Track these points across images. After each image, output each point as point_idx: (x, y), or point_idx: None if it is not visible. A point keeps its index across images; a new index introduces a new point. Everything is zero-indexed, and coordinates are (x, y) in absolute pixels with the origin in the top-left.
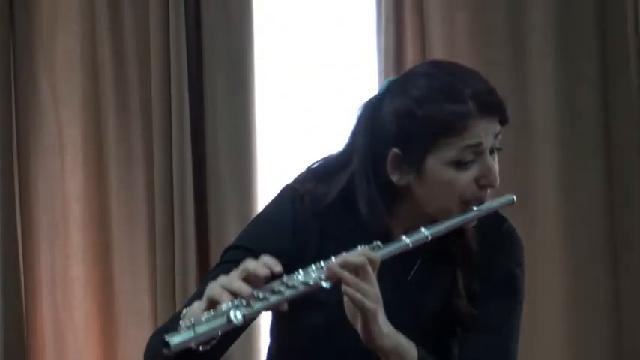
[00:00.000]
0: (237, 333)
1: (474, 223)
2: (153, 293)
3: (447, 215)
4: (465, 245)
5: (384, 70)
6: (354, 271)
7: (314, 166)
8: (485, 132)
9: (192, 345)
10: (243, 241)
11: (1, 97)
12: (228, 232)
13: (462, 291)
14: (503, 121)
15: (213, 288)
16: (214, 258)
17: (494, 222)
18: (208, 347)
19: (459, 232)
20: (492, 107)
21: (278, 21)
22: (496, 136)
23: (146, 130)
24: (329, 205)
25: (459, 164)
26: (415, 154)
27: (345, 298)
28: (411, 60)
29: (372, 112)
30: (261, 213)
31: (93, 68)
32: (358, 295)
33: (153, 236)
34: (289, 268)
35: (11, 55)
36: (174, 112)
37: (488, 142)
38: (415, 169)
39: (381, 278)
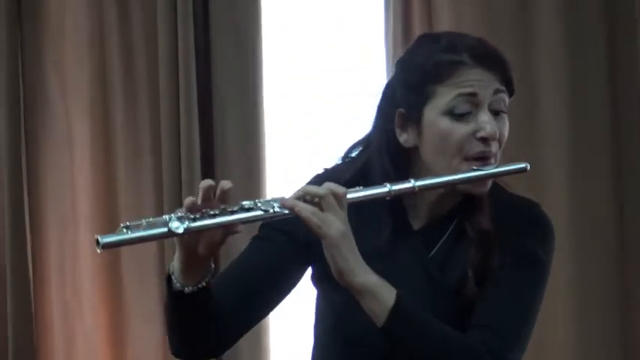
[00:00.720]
0: (261, 306)
1: (484, 189)
2: (161, 287)
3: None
4: (480, 224)
5: (391, 74)
6: (315, 203)
7: (346, 150)
8: (480, 82)
9: (123, 242)
10: (275, 221)
11: (9, 93)
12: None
13: (471, 272)
14: (504, 80)
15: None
16: (222, 251)
17: (524, 205)
18: (195, 289)
19: (474, 209)
20: (487, 58)
21: (285, 17)
22: (496, 92)
23: (154, 126)
24: (348, 182)
25: (455, 114)
26: (414, 107)
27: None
28: None
29: (386, 90)
30: None
31: (101, 64)
32: (315, 220)
33: None
34: (308, 250)
35: (19, 51)
36: (182, 107)
37: (485, 95)
38: (416, 124)
39: (402, 251)
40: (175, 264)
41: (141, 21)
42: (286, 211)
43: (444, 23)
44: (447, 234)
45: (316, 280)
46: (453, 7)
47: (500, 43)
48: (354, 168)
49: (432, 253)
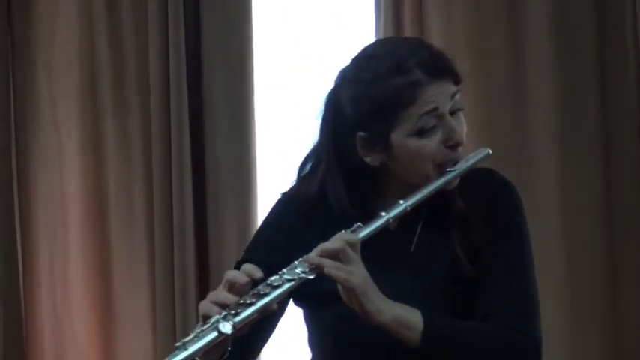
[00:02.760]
0: (270, 324)
1: (455, 183)
2: (152, 293)
3: (428, 182)
4: (452, 207)
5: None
6: (335, 257)
7: (298, 167)
8: (439, 96)
9: None
10: (247, 255)
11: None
12: (227, 232)
13: (460, 253)
14: (456, 81)
15: (204, 304)
16: (213, 257)
17: (482, 176)
18: (226, 356)
19: (443, 196)
20: (440, 70)
21: (277, 19)
22: (452, 96)
23: (145, 130)
24: (314, 200)
25: (422, 132)
26: (379, 134)
27: (339, 286)
28: None
29: (331, 103)
30: (260, 225)
31: (91, 68)
32: (342, 275)
33: (152, 236)
34: None
35: (10, 55)
36: (172, 111)
37: (445, 105)
38: (383, 148)
39: (383, 254)
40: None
41: (131, 25)
42: (313, 275)
43: (435, 22)
44: (420, 226)
45: (300, 300)
46: (442, 5)
47: (490, 42)
48: (315, 183)
49: (412, 248)
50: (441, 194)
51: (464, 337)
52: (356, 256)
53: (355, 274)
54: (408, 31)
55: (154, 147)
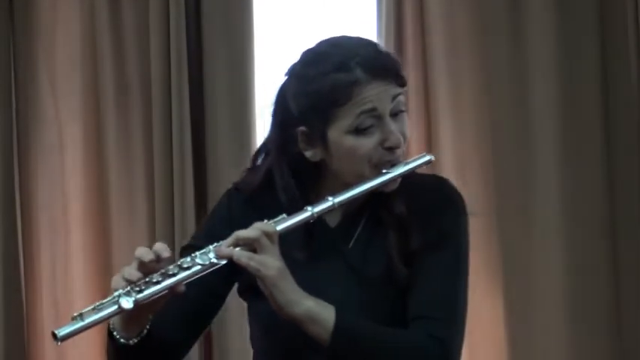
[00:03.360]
0: (201, 325)
1: (394, 186)
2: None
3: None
4: (393, 209)
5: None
6: (250, 245)
7: (251, 159)
8: (378, 96)
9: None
10: (192, 241)
11: (1, 96)
12: None
13: (396, 255)
14: (400, 83)
15: (114, 279)
16: None
17: (433, 184)
18: (137, 340)
19: (386, 197)
20: (381, 71)
21: (278, 18)
22: (394, 98)
23: (146, 129)
24: (258, 190)
25: (359, 131)
26: (317, 129)
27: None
28: (411, 53)
29: (279, 97)
30: (205, 217)
31: (92, 66)
32: (253, 264)
33: (153, 234)
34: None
35: (11, 53)
36: (174, 110)
37: (384, 106)
38: (321, 144)
39: (321, 249)
40: (117, 320)
41: (133, 24)
42: (224, 261)
43: (436, 20)
44: (361, 224)
45: (242, 293)
46: (444, 4)
47: (491, 40)
48: (260, 175)
49: (350, 245)
50: (384, 195)
51: (374, 339)
52: (271, 246)
53: (267, 264)
54: (410, 30)
55: (156, 146)
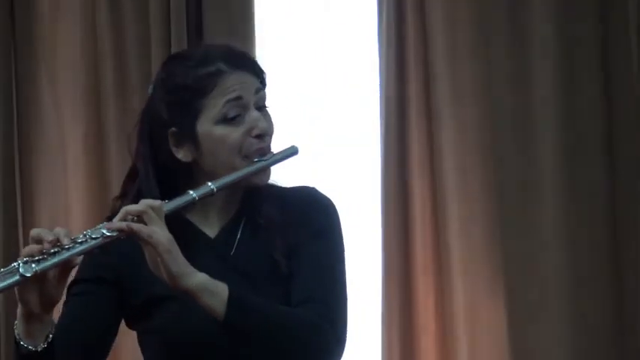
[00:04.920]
0: (99, 355)
1: (265, 179)
2: None
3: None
4: (267, 213)
5: (385, 69)
6: (139, 219)
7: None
8: (241, 85)
9: None
10: (78, 275)
11: (2, 97)
12: None
13: (277, 252)
14: (259, 77)
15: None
16: None
17: (304, 192)
18: (45, 345)
19: (259, 204)
20: (241, 61)
21: (278, 19)
22: (257, 91)
23: None
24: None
25: (226, 120)
26: (186, 123)
27: (146, 254)
28: (412, 56)
29: (145, 110)
30: None
31: (94, 67)
32: (144, 230)
33: None
34: (119, 283)
35: (12, 55)
36: None
37: (248, 96)
38: (191, 138)
39: (206, 258)
40: (20, 329)
41: (134, 24)
42: (115, 234)
43: (438, 22)
44: (240, 231)
45: (132, 318)
46: (446, 7)
47: (492, 41)
48: (130, 197)
49: (233, 251)
50: (256, 202)
51: (269, 312)
52: (159, 219)
53: (158, 232)
54: (411, 32)
55: None
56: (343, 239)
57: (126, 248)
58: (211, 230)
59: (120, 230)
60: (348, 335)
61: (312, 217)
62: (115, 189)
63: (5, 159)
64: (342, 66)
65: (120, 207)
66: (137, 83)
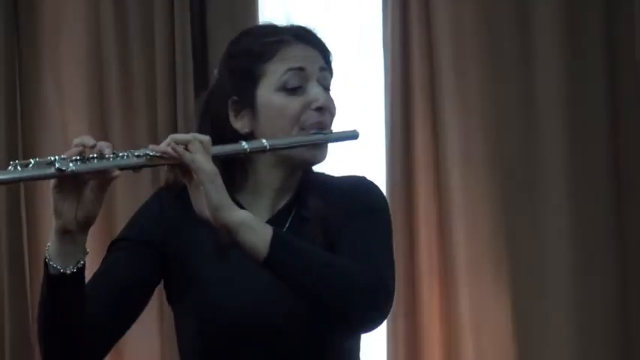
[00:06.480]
0: (129, 313)
1: (322, 157)
2: (159, 291)
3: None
4: (314, 204)
5: (390, 67)
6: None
7: None
8: (305, 57)
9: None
10: (122, 235)
11: (6, 97)
12: None
13: (322, 245)
14: (325, 59)
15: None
16: None
17: (352, 179)
18: (75, 269)
19: (307, 194)
20: (308, 35)
21: (283, 17)
22: (321, 69)
23: (152, 129)
24: (185, 188)
25: (287, 89)
26: (246, 90)
27: (189, 187)
28: (417, 49)
29: (209, 95)
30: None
31: (98, 68)
32: (188, 156)
33: None
34: (164, 250)
35: (16, 54)
36: (179, 110)
37: (312, 70)
38: (250, 105)
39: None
40: (51, 248)
41: (138, 27)
42: (158, 154)
43: (443, 20)
44: (288, 222)
45: (169, 288)
46: (451, 5)
47: (498, 39)
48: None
49: None
50: (305, 193)
51: (315, 254)
52: (204, 152)
53: (203, 160)
54: (415, 30)
55: None
56: (391, 222)
57: (175, 217)
58: (260, 216)
59: (164, 153)
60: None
61: (360, 198)
62: (119, 188)
63: (10, 158)
64: (347, 64)
65: (173, 177)
66: (142, 82)
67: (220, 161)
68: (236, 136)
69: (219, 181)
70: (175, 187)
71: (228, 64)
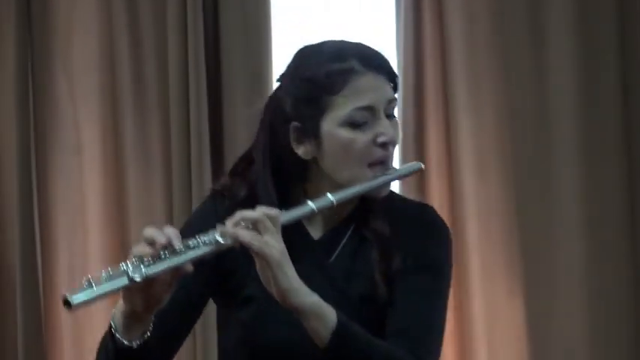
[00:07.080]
0: (181, 332)
1: (385, 192)
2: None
3: (358, 183)
4: (377, 228)
5: (402, 68)
6: (253, 227)
7: (233, 166)
8: (374, 89)
9: (94, 300)
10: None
11: (19, 97)
12: None
13: (377, 274)
14: (392, 80)
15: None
16: None
17: (415, 210)
18: (140, 342)
19: (370, 215)
20: (375, 61)
21: (295, 18)
22: (389, 102)
23: (164, 129)
24: (245, 198)
25: (353, 124)
26: (311, 120)
27: (257, 264)
28: (430, 50)
29: (271, 101)
30: (189, 217)
31: (110, 67)
32: (256, 243)
33: None
34: (220, 261)
35: (29, 55)
36: (192, 110)
37: (380, 104)
38: (314, 136)
39: (303, 261)
40: (118, 321)
41: (151, 26)
42: (229, 241)
43: (456, 23)
44: (345, 239)
45: (222, 297)
46: (464, 7)
47: (511, 41)
48: (247, 186)
49: (332, 259)
50: (368, 212)
51: (371, 346)
52: (274, 229)
53: (271, 245)
54: (428, 32)
55: (173, 146)
56: (451, 273)
57: (221, 220)
58: (315, 231)
59: (233, 238)
60: None
61: (425, 247)
62: (132, 187)
63: (22, 159)
64: None
65: (231, 186)
66: (154, 82)
67: (280, 179)
68: (295, 158)
69: (288, 261)
70: (235, 198)
71: (291, 87)
